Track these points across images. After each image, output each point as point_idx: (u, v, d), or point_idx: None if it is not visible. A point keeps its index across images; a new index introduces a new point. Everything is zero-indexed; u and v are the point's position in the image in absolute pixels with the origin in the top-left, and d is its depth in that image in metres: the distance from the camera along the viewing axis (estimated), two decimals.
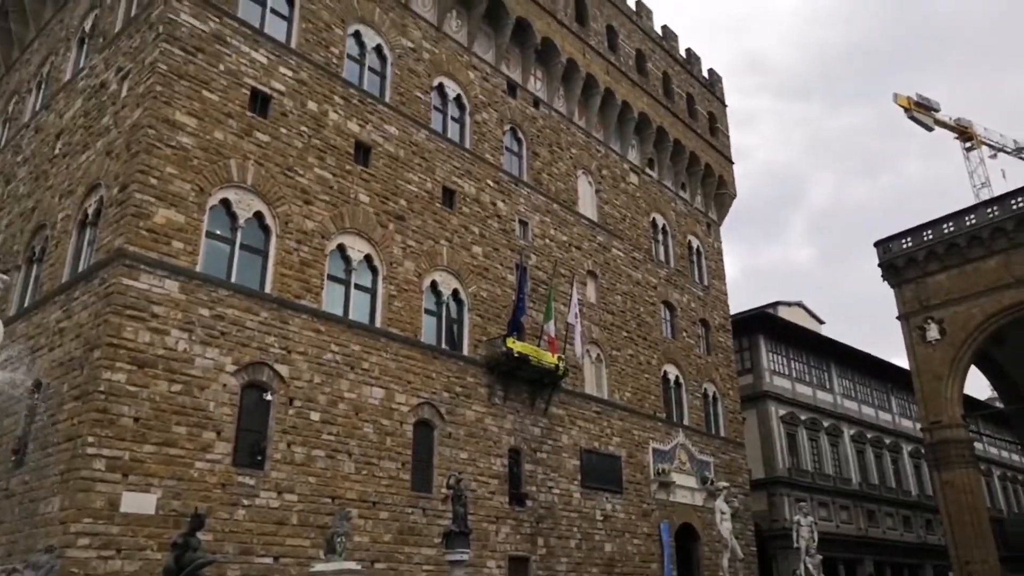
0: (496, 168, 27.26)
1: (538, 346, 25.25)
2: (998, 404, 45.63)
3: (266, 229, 19.32)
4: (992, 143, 51.16)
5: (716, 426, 34.36)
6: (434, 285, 23.61)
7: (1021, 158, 50.06)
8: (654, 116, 35.34)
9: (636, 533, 27.87)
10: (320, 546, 15.98)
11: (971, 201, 47.74)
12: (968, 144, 51.99)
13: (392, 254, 22.30)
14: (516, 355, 24.08)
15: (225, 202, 18.60)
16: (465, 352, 23.86)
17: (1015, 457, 53.54)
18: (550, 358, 25.23)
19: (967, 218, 35.59)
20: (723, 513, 29.13)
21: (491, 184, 26.79)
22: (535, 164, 29.22)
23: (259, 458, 17.27)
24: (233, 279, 18.17)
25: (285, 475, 17.57)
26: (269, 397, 17.80)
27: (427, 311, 23.18)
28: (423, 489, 20.88)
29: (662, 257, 34.83)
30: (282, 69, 20.82)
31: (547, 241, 28.47)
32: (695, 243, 37.29)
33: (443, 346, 23.30)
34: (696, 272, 36.76)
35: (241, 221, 18.79)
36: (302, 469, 17.98)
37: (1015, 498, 55.29)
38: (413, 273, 22.81)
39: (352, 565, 14.75)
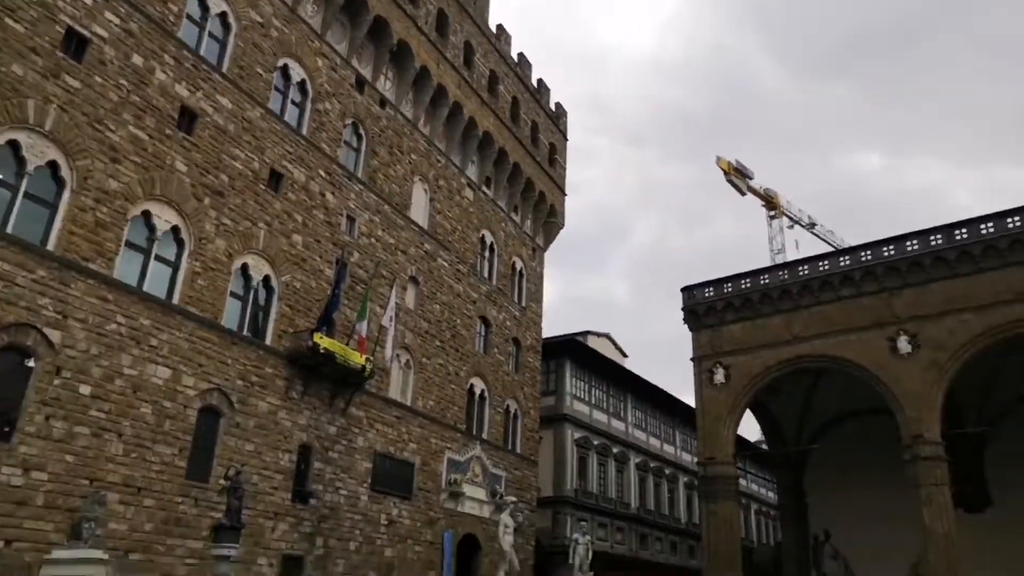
0: (331, 160, 26.73)
1: (347, 345, 24.92)
2: (764, 447, 50.44)
3: (60, 181, 17.74)
4: (791, 215, 56.95)
5: (513, 442, 35.44)
6: (245, 268, 22.70)
7: (812, 232, 56.08)
8: (498, 137, 36.15)
9: (419, 540, 28.09)
10: (65, 532, 14.78)
11: (768, 263, 52.77)
12: (772, 212, 57.55)
13: (203, 229, 21.21)
14: (322, 351, 23.63)
15: (14, 144, 16.90)
16: (268, 342, 23.10)
17: (770, 494, 59.38)
18: (357, 358, 24.98)
19: (762, 278, 39.11)
20: (507, 527, 30.08)
21: (323, 175, 26.22)
22: (372, 163, 28.95)
23: (6, 429, 15.70)
24: (9, 229, 16.50)
25: (37, 451, 16.07)
26: (31, 363, 16.27)
27: (233, 294, 22.23)
28: (199, 478, 19.90)
29: (486, 273, 35.58)
30: (108, 14, 19.29)
31: (373, 241, 28.24)
32: (519, 264, 38.43)
33: (245, 332, 22.42)
34: (516, 292, 37.87)
35: (30, 168, 17.14)
36: (59, 446, 16.54)
37: (765, 530, 61.35)
38: (224, 253, 21.81)
39: (97, 554, 13.78)
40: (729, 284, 40.27)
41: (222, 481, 19.16)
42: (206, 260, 21.16)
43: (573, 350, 43.32)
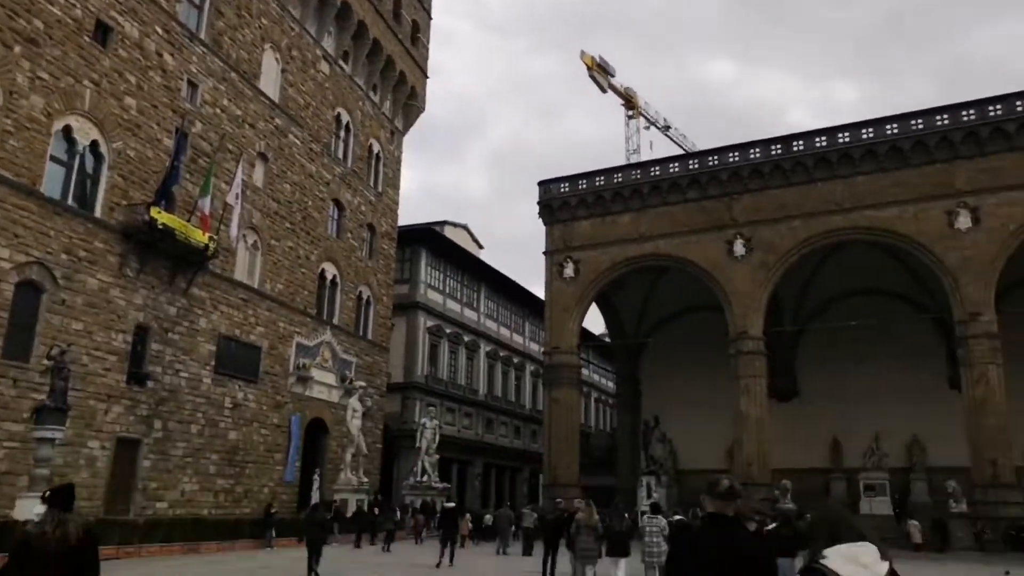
0: (169, 16, 24.14)
1: (188, 221, 23.36)
2: (607, 339, 53.30)
3: None
4: (648, 116, 58.34)
5: (365, 329, 35.27)
6: (68, 131, 20.44)
7: (667, 135, 57.91)
8: (358, 8, 33.99)
9: (265, 423, 27.77)
10: None
11: (623, 162, 54.21)
12: (630, 112, 58.66)
13: (15, 83, 18.73)
14: (160, 226, 22.05)
15: None
16: (98, 214, 21.21)
17: (610, 384, 63.44)
18: (200, 236, 23.54)
19: (615, 176, 40.14)
20: (355, 411, 30.35)
21: (160, 32, 23.69)
22: (218, 24, 26.45)
23: None
24: None
25: None
26: None
27: (55, 159, 20.07)
28: (18, 357, 18.38)
29: (340, 154, 34.17)
30: None
31: (218, 111, 26.17)
32: (376, 147, 37.16)
33: (70, 202, 20.43)
34: (372, 176, 36.77)
35: None
36: None
37: (603, 417, 65.85)
38: (41, 111, 19.45)
39: None
40: (584, 181, 41.04)
41: (45, 361, 17.82)
42: (19, 118, 18.80)
43: (429, 239, 43.09)
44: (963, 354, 28.97)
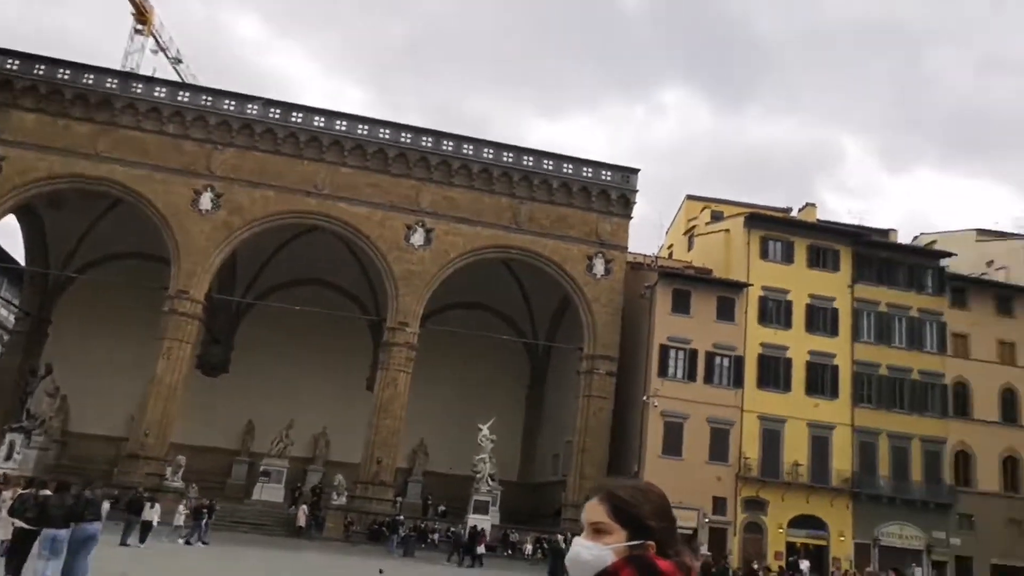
0: None
1: None
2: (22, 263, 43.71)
3: None
4: (161, 40, 51.49)
5: None
6: None
7: (175, 68, 51.86)
8: None
9: None
10: None
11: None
12: (140, 27, 51.01)
13: None
14: None
15: None
16: None
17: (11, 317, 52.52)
18: None
19: (86, 76, 33.30)
20: None
21: None
22: None
23: None
24: None
25: None
26: None
27: None
28: None
29: None
30: None
31: None
32: None
33: None
34: None
35: None
36: None
37: None
38: None
39: None
40: (43, 66, 33.45)
41: None
42: None
43: None
44: (384, 358, 30.64)
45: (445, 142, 32.56)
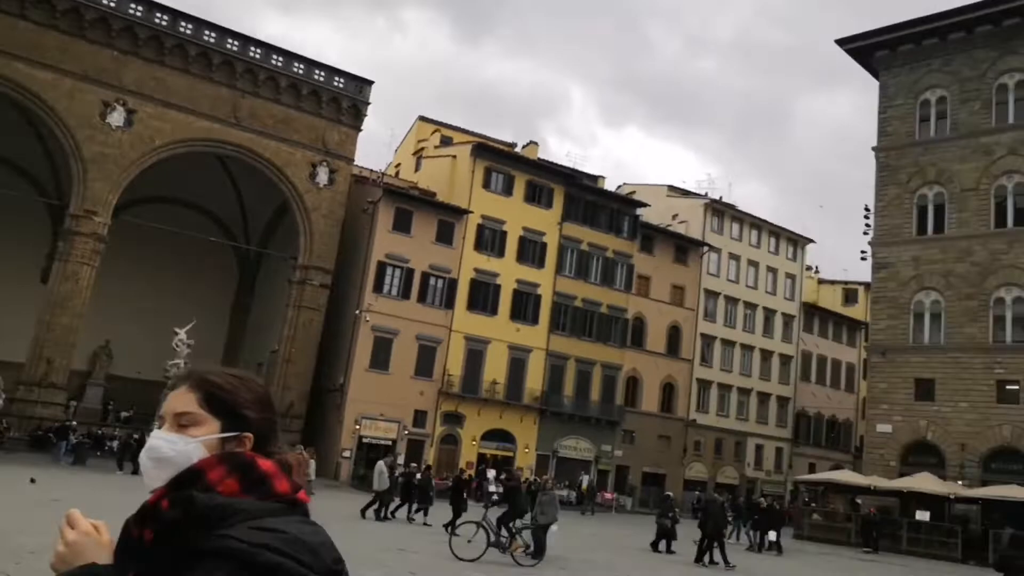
0: None
1: None
2: None
3: None
4: None
5: None
6: None
7: None
8: None
9: None
10: None
11: None
12: None
13: None
14: None
15: None
16: None
17: None
18: None
19: None
20: None
21: None
22: None
23: None
24: None
25: None
26: None
27: None
28: None
29: None
30: None
31: None
32: None
33: None
34: None
35: None
36: None
37: None
38: None
39: None
40: None
41: None
42: None
43: None
44: (64, 248, 27.07)
45: (159, 15, 28.93)
